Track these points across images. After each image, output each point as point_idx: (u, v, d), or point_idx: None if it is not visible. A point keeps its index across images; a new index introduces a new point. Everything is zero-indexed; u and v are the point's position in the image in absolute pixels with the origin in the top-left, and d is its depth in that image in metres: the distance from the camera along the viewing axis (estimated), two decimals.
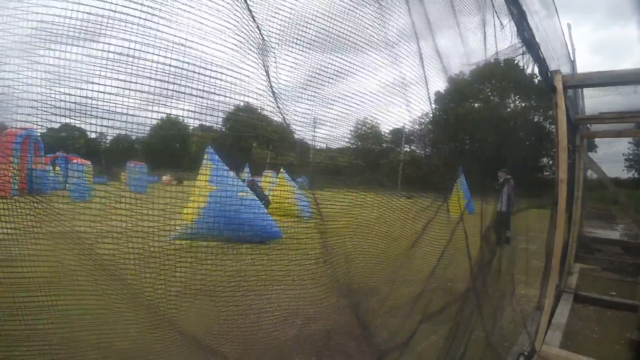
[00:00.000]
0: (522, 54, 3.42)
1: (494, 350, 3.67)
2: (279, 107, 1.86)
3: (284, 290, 2.14)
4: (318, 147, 2.22)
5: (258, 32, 1.69)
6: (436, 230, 3.13)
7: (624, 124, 6.69)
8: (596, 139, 11.04)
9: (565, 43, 6.77)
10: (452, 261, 3.31)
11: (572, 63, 7.34)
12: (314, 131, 2.10)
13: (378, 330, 2.73)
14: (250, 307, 2.06)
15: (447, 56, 3.02)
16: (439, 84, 3.15)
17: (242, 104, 1.83)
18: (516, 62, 3.84)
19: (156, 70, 1.46)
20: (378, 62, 2.28)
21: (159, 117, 1.63)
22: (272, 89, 1.81)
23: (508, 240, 7.74)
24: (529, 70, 3.76)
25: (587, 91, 7.43)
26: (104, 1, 1.33)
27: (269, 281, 2.08)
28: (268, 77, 1.78)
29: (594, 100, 7.52)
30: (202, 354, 1.96)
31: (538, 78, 3.98)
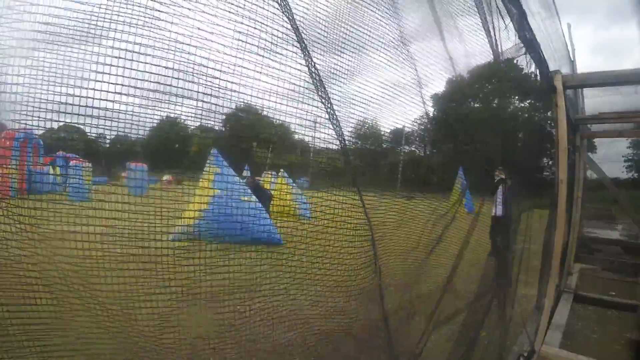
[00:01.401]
0: (524, 54, 3.42)
1: (494, 350, 3.68)
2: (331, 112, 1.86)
3: (285, 293, 2.14)
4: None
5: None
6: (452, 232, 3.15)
7: (625, 124, 6.69)
8: (596, 139, 11.00)
9: (566, 43, 6.78)
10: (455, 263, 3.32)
11: (572, 63, 7.34)
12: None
13: (379, 331, 2.73)
14: (251, 310, 2.05)
15: (453, 57, 3.04)
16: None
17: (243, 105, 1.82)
18: (516, 61, 3.84)
19: (161, 71, 1.46)
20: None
21: (161, 117, 1.62)
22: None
23: (503, 250, 7.52)
24: (528, 70, 3.76)
25: (587, 91, 7.42)
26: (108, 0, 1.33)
27: (269, 283, 2.08)
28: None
29: (594, 101, 7.51)
30: (202, 357, 1.95)
31: (538, 78, 3.97)
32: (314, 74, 1.77)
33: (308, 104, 1.83)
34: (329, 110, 1.86)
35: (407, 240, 2.83)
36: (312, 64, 1.76)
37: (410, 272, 2.94)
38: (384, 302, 2.44)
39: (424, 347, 2.88)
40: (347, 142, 2.06)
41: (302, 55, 1.74)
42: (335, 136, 1.97)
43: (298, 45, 1.70)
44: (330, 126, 1.90)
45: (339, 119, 1.92)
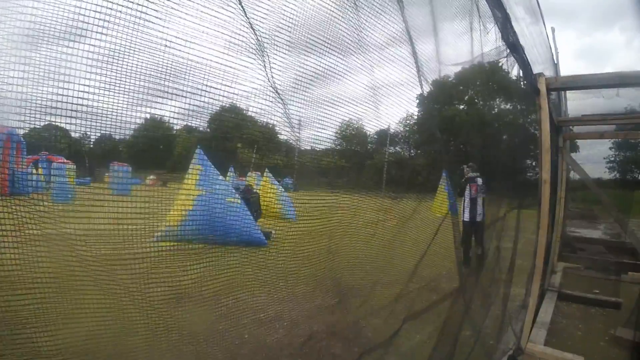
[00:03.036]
0: (507, 56, 3.46)
1: (481, 348, 3.70)
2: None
3: (270, 293, 2.13)
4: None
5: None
6: (423, 229, 3.16)
7: (606, 126, 6.82)
8: (579, 141, 11.18)
9: (550, 47, 6.87)
10: (438, 261, 3.34)
11: (556, 66, 7.44)
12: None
13: (363, 329, 2.74)
14: (237, 310, 2.05)
15: (441, 60, 3.06)
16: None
17: (228, 105, 1.81)
18: (501, 64, 3.88)
19: (144, 71, 1.45)
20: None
21: (145, 117, 1.61)
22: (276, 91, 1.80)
23: (481, 260, 6.54)
24: (513, 73, 3.81)
25: (569, 94, 7.53)
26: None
27: (255, 284, 2.07)
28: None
29: (576, 103, 7.63)
30: (190, 357, 1.94)
31: (522, 80, 4.02)
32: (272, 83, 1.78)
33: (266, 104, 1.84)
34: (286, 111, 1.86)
35: (359, 234, 2.82)
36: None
37: (385, 271, 2.96)
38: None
39: (394, 336, 2.89)
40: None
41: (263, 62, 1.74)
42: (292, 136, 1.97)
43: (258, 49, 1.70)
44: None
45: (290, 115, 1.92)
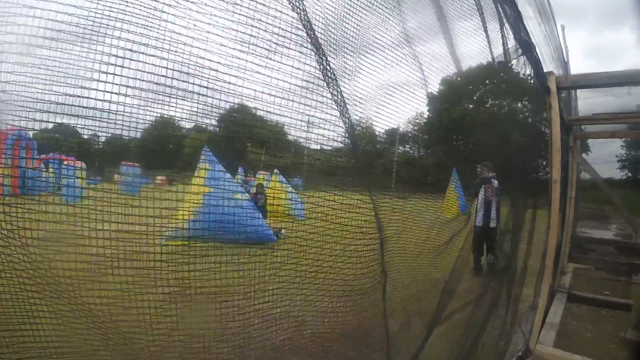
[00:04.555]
0: (520, 55, 3.43)
1: (489, 350, 3.68)
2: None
3: (279, 293, 2.13)
4: None
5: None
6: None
7: (617, 125, 6.73)
8: (589, 140, 11.06)
9: (560, 45, 6.80)
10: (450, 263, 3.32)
11: (566, 65, 7.36)
12: None
13: (376, 331, 2.72)
14: (245, 309, 2.05)
15: (457, 58, 3.06)
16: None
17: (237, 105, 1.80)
18: (510, 64, 3.85)
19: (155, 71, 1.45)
20: None
21: (157, 117, 1.61)
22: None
23: (493, 268, 6.21)
24: (523, 72, 3.78)
25: (580, 92, 7.46)
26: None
27: (264, 283, 2.07)
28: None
29: (587, 102, 7.55)
30: (196, 356, 1.94)
31: (532, 78, 3.99)
32: (327, 71, 1.76)
33: (313, 103, 1.81)
34: (340, 108, 1.84)
35: (410, 241, 2.82)
36: (326, 61, 1.75)
37: (411, 273, 2.95)
38: (386, 303, 2.44)
39: (422, 349, 2.88)
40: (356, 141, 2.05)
41: (316, 53, 1.72)
42: (345, 134, 1.95)
43: (309, 43, 1.68)
44: (341, 124, 1.89)
45: (350, 116, 1.90)
